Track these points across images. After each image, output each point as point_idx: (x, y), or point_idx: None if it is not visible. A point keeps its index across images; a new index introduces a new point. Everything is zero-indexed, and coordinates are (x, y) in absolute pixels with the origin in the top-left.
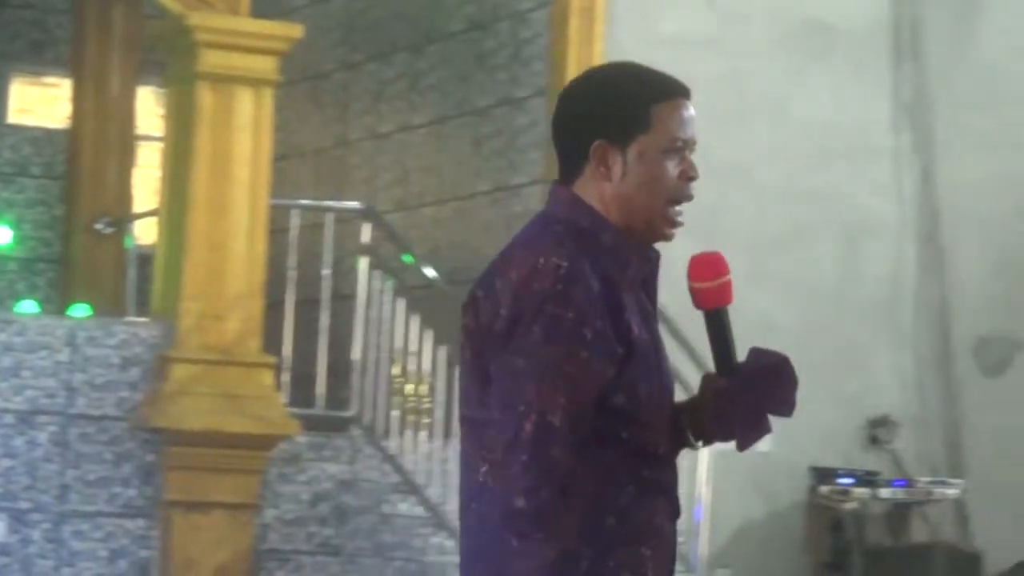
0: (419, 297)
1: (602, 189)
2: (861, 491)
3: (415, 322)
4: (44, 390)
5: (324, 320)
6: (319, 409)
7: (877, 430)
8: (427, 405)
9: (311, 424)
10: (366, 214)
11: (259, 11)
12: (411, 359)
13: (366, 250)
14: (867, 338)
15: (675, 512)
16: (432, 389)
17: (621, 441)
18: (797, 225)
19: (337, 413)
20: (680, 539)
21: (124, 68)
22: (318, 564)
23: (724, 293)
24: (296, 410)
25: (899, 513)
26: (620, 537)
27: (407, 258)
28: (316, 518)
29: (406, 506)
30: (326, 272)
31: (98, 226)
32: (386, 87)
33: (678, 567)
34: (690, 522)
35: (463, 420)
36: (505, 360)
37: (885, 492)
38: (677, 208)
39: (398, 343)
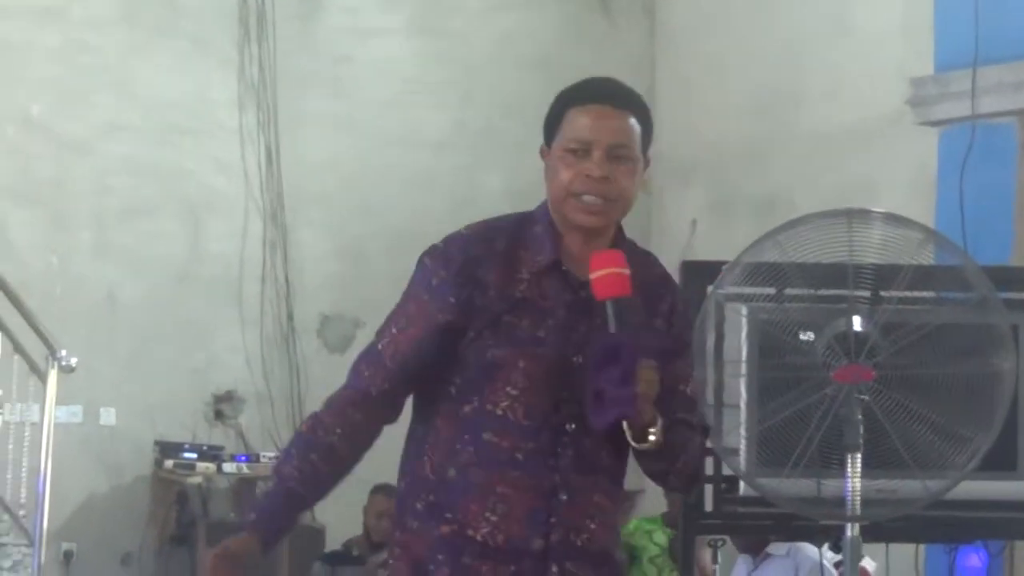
0: None
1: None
2: (205, 465)
3: None
4: None
5: None
6: None
7: (222, 405)
8: None
9: None
10: None
11: None
12: None
13: None
14: (212, 314)
15: (546, 492)
16: None
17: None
18: (141, 200)
19: None
20: (21, 512)
21: None
22: None
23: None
24: None
25: (243, 487)
26: (457, 488)
27: None
28: None
29: None
30: None
31: None
32: None
33: (19, 540)
34: (32, 495)
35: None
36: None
37: (229, 466)
38: (578, 199)
39: None
